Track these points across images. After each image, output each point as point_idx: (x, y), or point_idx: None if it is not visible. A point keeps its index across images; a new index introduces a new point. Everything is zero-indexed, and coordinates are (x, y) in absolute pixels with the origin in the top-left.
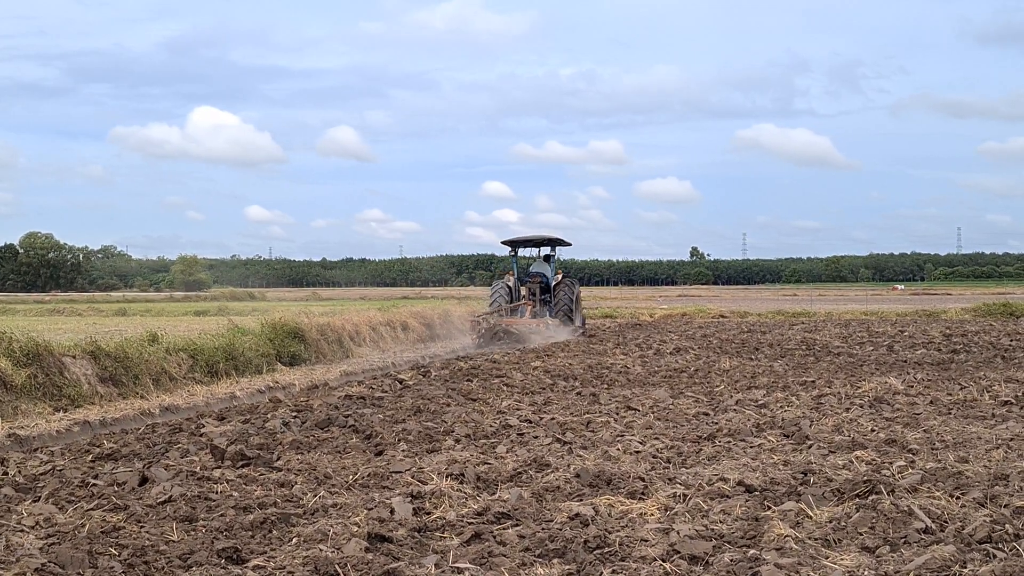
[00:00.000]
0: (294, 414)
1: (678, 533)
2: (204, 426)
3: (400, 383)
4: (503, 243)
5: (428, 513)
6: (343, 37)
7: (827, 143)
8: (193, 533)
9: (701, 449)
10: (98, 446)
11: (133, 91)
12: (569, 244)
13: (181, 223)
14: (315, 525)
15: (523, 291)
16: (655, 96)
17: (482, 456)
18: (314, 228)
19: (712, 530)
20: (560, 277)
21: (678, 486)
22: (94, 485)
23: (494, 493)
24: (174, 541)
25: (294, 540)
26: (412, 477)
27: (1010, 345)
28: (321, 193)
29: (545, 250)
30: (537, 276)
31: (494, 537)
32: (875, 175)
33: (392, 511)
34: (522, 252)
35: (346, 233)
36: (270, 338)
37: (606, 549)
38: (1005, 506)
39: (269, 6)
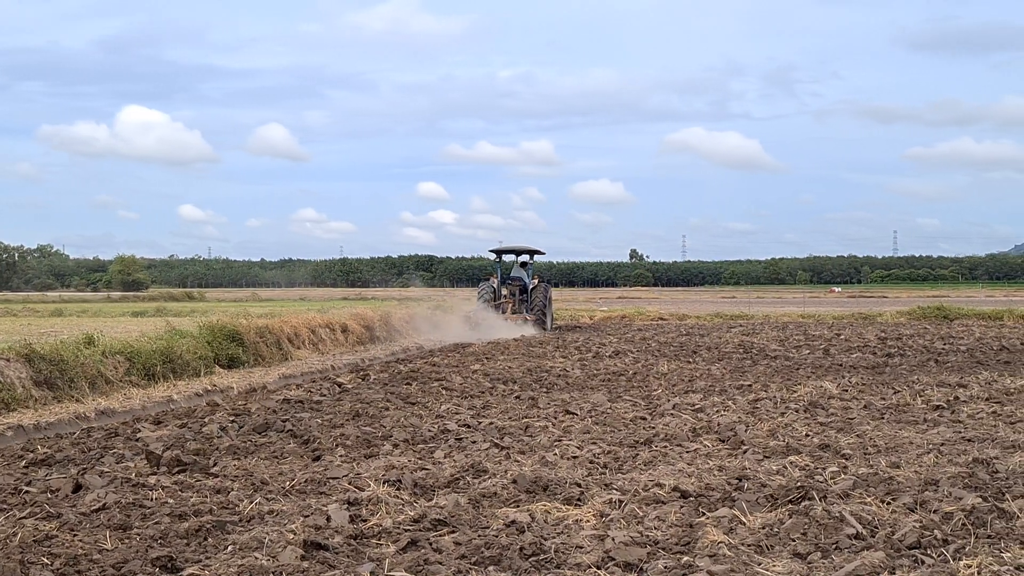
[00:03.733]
0: (232, 418)
1: (613, 540)
2: (140, 431)
3: (339, 387)
4: (490, 251)
5: (365, 520)
6: (280, 37)
7: (757, 146)
8: (127, 541)
9: (638, 454)
10: (32, 451)
11: (67, 89)
12: (543, 253)
13: (114, 222)
14: (251, 533)
15: (504, 292)
16: (592, 98)
17: (420, 461)
18: (249, 228)
19: (647, 537)
20: (536, 281)
21: (614, 492)
22: (27, 492)
23: (431, 499)
24: (108, 550)
25: (229, 548)
26: (349, 483)
27: (943, 349)
28: (254, 193)
29: (524, 258)
30: (517, 280)
31: (430, 544)
32: (805, 178)
33: (328, 518)
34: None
35: (281, 233)
36: (208, 340)
37: (542, 556)
38: (934, 512)
39: (206, 5)
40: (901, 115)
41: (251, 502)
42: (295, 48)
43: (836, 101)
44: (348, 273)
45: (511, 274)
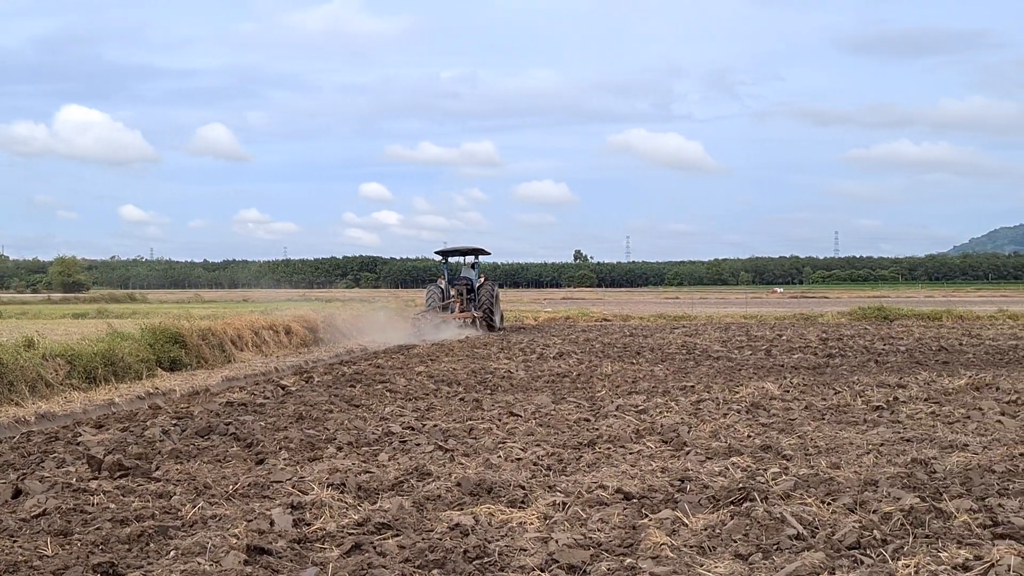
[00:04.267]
0: (174, 422)
1: (557, 542)
2: (81, 435)
3: (282, 389)
4: (436, 252)
5: (308, 524)
6: (219, 37)
7: (699, 148)
8: (68, 548)
9: (581, 456)
10: None
11: (4, 88)
12: (489, 253)
13: (53, 223)
14: (193, 538)
15: (452, 292)
16: (534, 99)
17: (364, 464)
18: (191, 229)
19: (590, 539)
20: (482, 280)
21: (558, 494)
22: None
23: (375, 503)
24: (48, 556)
25: (172, 553)
26: (293, 487)
27: (883, 349)
28: (196, 193)
29: (470, 258)
30: (464, 280)
31: (374, 548)
32: (747, 180)
33: (272, 522)
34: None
35: (224, 234)
36: (150, 343)
37: (485, 559)
38: (874, 512)
39: (143, 4)
40: (839, 117)
41: (194, 507)
42: (234, 48)
43: (776, 103)
44: (292, 274)
45: (459, 275)
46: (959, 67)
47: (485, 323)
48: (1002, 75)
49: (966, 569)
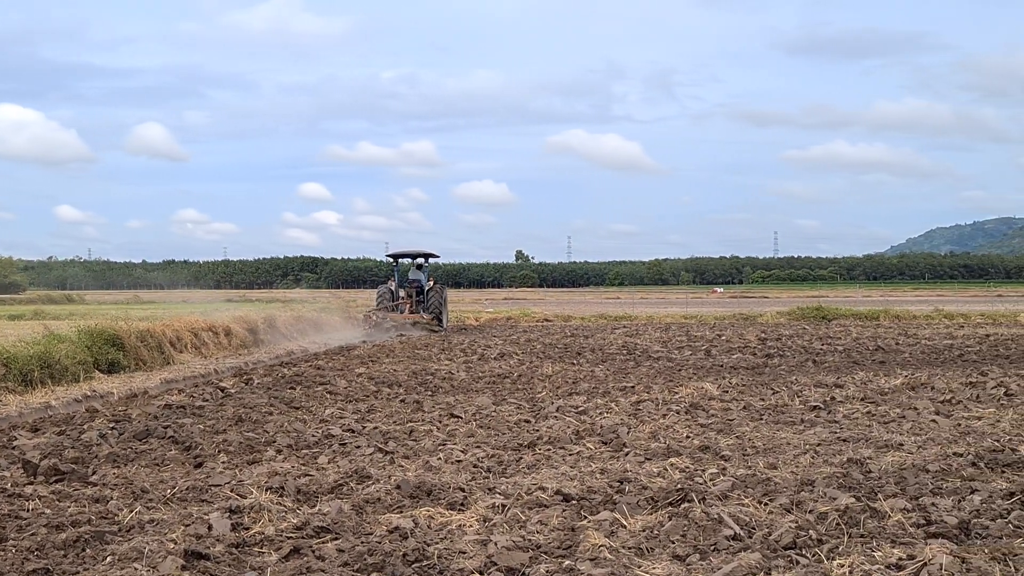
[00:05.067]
0: (111, 425)
1: (496, 544)
2: (16, 439)
3: (222, 391)
4: (387, 255)
5: (247, 528)
6: (159, 36)
7: (638, 148)
8: (2, 554)
9: (521, 457)
10: None
11: None
12: (438, 256)
13: None
14: (130, 543)
15: (402, 293)
16: (476, 100)
17: (303, 467)
18: (129, 229)
19: (529, 541)
20: (432, 283)
21: (498, 496)
22: None
23: (314, 506)
24: None
25: (108, 559)
26: (231, 490)
27: (821, 349)
28: (134, 193)
29: (419, 261)
30: (414, 282)
31: (313, 552)
32: (686, 180)
33: (210, 527)
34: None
35: (163, 234)
36: (87, 345)
37: (425, 562)
38: (810, 512)
39: (83, 3)
40: (777, 119)
41: (131, 511)
42: (174, 47)
43: (715, 104)
44: (232, 275)
45: (408, 276)
46: (896, 69)
47: (434, 324)
48: (938, 78)
49: (899, 568)
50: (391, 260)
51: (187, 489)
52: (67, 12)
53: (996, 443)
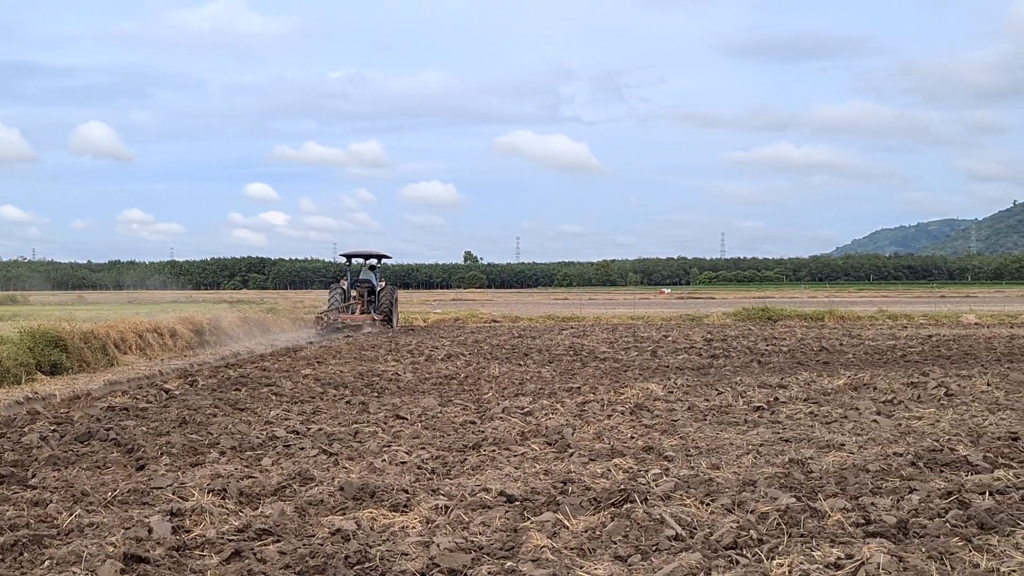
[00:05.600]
0: (53, 427)
1: (438, 546)
2: None
3: (166, 393)
4: (341, 255)
5: (188, 531)
6: (102, 35)
7: (585, 149)
8: None
9: (466, 459)
10: None
11: None
12: (390, 257)
13: None
14: (69, 547)
15: (353, 294)
16: (423, 100)
17: (247, 469)
18: (74, 229)
19: (472, 542)
20: (383, 284)
21: (441, 498)
22: None
23: (257, 508)
24: None
25: (46, 563)
26: (173, 493)
27: (766, 350)
28: (78, 193)
29: (372, 261)
30: (366, 282)
31: (254, 554)
32: (633, 181)
33: (150, 530)
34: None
35: (108, 235)
36: (30, 346)
37: (367, 564)
38: (751, 512)
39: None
40: (722, 120)
41: (71, 515)
42: (118, 46)
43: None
44: (179, 275)
45: (360, 277)
46: (838, 72)
47: (384, 325)
48: (880, 81)
49: (838, 567)
50: (345, 260)
51: (128, 492)
52: (4, 9)
53: (935, 443)
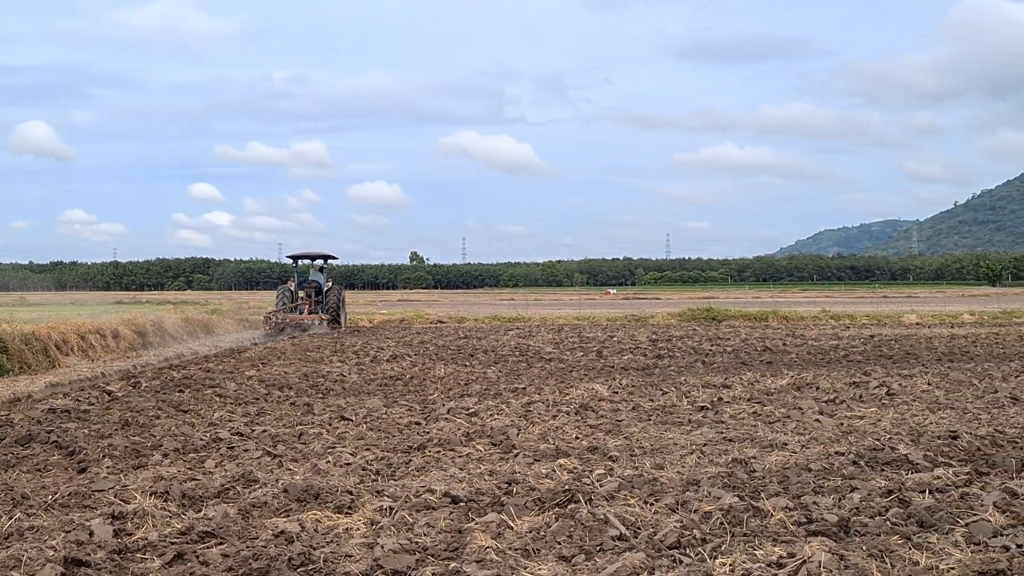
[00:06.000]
0: None
1: (382, 547)
2: None
3: (108, 395)
4: (288, 256)
5: (129, 534)
6: (43, 33)
7: (529, 150)
8: None
9: (411, 460)
10: None
11: None
12: (336, 258)
13: None
14: (8, 551)
15: (301, 294)
16: (368, 101)
17: (190, 471)
18: (14, 230)
19: (416, 543)
20: (330, 284)
21: (386, 499)
22: None
23: (200, 511)
24: None
25: None
26: (115, 496)
27: (710, 350)
28: (18, 193)
29: (319, 262)
30: (313, 282)
31: (197, 557)
32: (578, 183)
33: (91, 533)
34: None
35: (49, 235)
36: None
37: (310, 566)
38: (694, 511)
39: None
40: (665, 122)
41: (10, 518)
42: (59, 45)
43: (606, 107)
44: (122, 276)
45: (308, 277)
46: (780, 74)
47: (332, 324)
48: (820, 82)
49: (780, 566)
50: (291, 261)
51: (69, 495)
52: None
53: (877, 442)
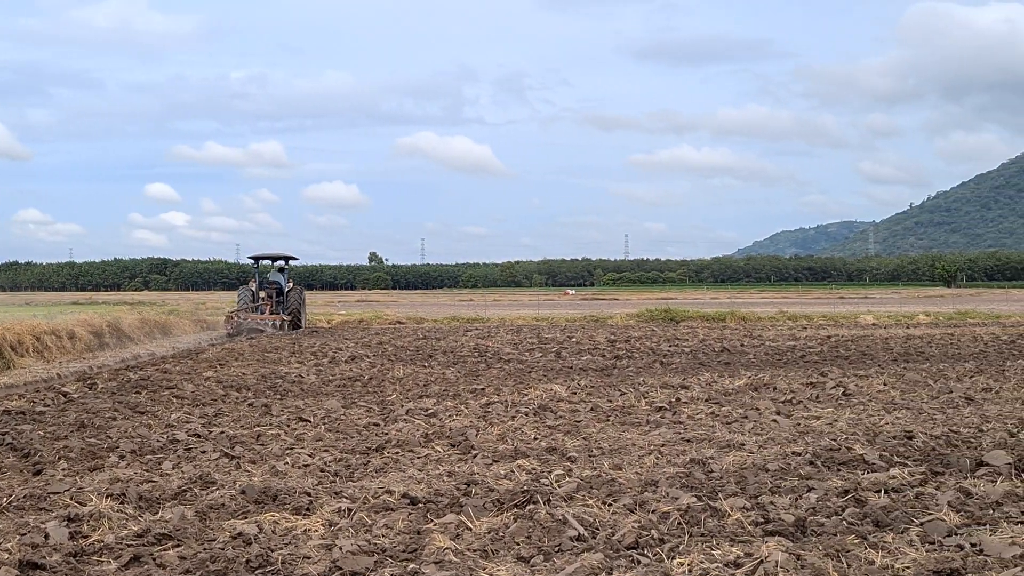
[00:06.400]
0: None
1: (341, 549)
2: None
3: (64, 396)
4: (249, 257)
5: (86, 536)
6: None
7: (487, 151)
8: None
9: (370, 461)
10: None
11: None
12: (297, 259)
13: None
14: None
15: (262, 294)
16: (326, 101)
17: (147, 473)
18: None
19: (375, 545)
20: (291, 284)
21: (344, 500)
22: None
23: (156, 513)
24: None
25: None
26: (71, 498)
27: (669, 351)
28: None
29: (279, 263)
30: (274, 283)
31: (154, 560)
32: (536, 184)
33: (47, 535)
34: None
35: (3, 235)
36: None
37: (268, 568)
38: (653, 512)
39: None
40: (623, 123)
41: None
42: (15, 43)
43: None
44: (78, 277)
45: (269, 278)
46: (738, 76)
47: (292, 324)
48: (778, 84)
49: (737, 566)
50: (252, 262)
51: (24, 497)
52: None
53: (833, 442)
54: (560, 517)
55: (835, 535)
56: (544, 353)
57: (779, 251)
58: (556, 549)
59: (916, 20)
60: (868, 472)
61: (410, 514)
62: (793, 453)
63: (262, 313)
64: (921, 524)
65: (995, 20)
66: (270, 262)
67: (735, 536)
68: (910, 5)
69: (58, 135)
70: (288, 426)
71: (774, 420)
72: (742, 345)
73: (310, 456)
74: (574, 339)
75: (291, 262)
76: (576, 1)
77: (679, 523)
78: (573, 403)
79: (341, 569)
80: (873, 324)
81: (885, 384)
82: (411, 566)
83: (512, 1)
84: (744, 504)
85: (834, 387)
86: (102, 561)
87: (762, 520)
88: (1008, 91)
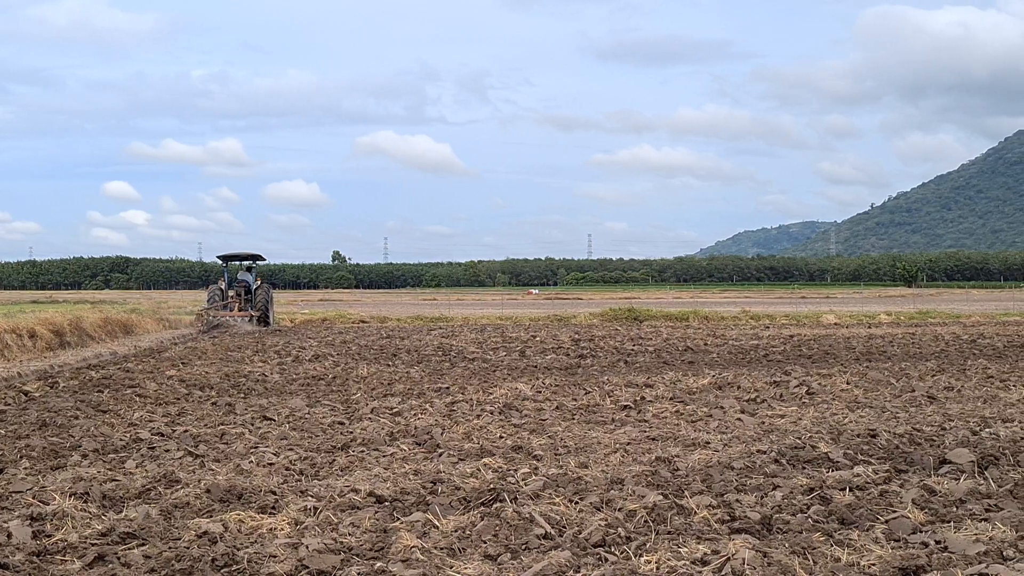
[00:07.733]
0: None
1: (307, 547)
2: None
3: (25, 395)
4: (218, 257)
5: (49, 536)
6: None
7: (448, 150)
8: None
9: (335, 460)
10: None
11: None
12: (265, 259)
13: None
14: None
15: (231, 293)
16: (288, 100)
17: (110, 472)
18: None
19: (341, 543)
20: (259, 283)
21: (310, 499)
22: None
23: (120, 512)
24: None
25: None
26: (33, 497)
27: (633, 350)
28: None
29: (248, 263)
30: (243, 282)
31: (118, 559)
32: (498, 183)
33: (9, 535)
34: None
35: None
36: None
37: (234, 567)
38: (619, 510)
39: None
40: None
41: None
42: None
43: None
44: (38, 275)
45: (237, 277)
46: (697, 76)
47: (261, 322)
48: (737, 85)
49: (704, 563)
50: (221, 261)
51: None
52: None
53: (797, 440)
54: (527, 515)
55: (801, 533)
56: (508, 352)
57: (741, 251)
58: (523, 547)
59: (872, 23)
60: (833, 470)
61: (376, 513)
62: (758, 451)
63: (232, 311)
64: (886, 522)
65: (948, 23)
66: (239, 262)
67: (702, 534)
68: (866, 8)
69: (16, 132)
70: (252, 425)
71: (739, 419)
72: (705, 344)
73: (275, 455)
74: (538, 338)
75: (258, 262)
76: (539, 1)
77: (646, 521)
78: (538, 402)
79: (308, 568)
80: (835, 323)
81: (848, 383)
82: (378, 564)
83: (475, 1)
84: (710, 502)
85: (797, 386)
86: (66, 560)
87: (728, 518)
88: (964, 93)
